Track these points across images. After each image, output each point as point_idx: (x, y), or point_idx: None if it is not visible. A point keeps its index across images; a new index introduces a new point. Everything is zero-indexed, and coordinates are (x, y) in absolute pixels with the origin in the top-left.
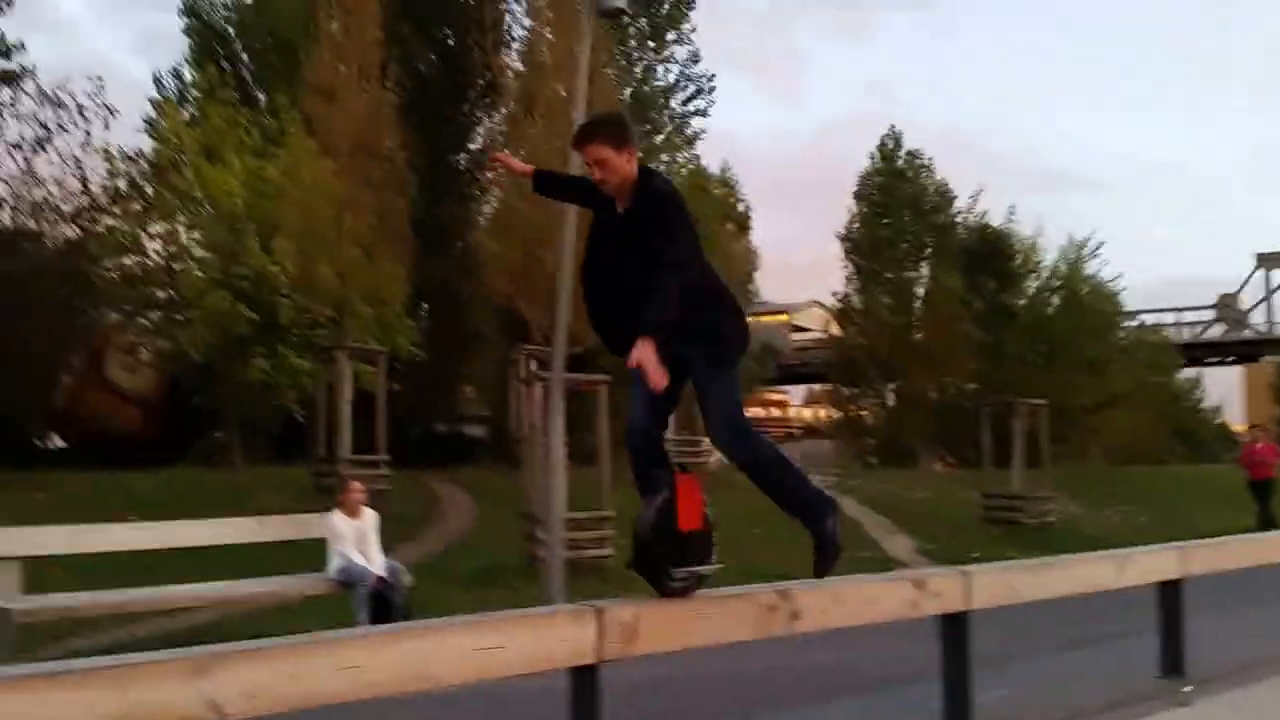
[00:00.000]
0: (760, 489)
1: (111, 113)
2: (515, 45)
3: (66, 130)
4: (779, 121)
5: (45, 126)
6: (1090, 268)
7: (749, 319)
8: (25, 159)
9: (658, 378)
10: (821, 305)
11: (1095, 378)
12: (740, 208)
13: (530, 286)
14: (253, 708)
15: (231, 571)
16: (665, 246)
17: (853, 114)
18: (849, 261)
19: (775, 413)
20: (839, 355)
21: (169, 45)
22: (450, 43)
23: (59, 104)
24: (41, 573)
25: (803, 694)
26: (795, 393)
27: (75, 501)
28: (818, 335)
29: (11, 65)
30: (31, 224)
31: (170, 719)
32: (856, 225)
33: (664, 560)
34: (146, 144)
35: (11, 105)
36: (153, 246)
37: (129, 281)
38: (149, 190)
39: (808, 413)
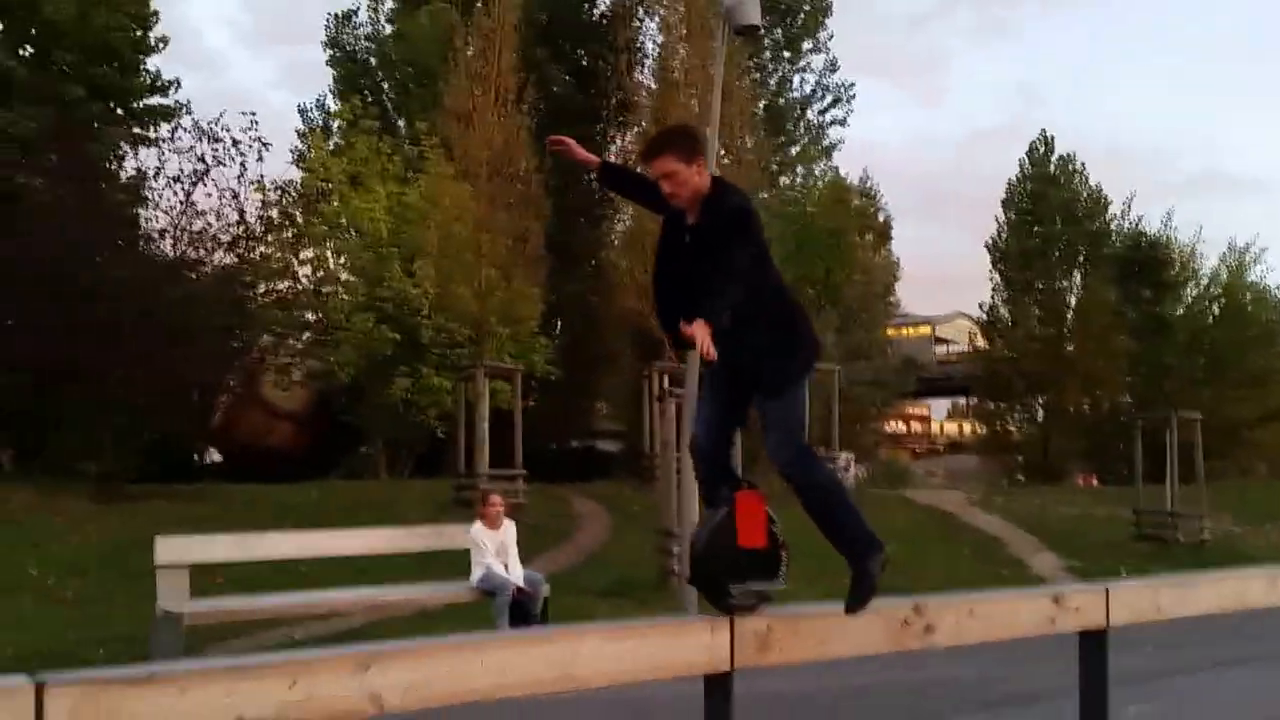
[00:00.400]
0: (810, 515)
1: (265, 146)
2: (648, 63)
3: (223, 164)
4: (922, 127)
5: (203, 160)
6: (1253, 274)
7: (890, 331)
8: (185, 191)
9: (709, 351)
10: (967, 317)
11: (1258, 389)
12: (881, 217)
13: None
14: (409, 701)
15: (378, 579)
16: (732, 255)
17: (1000, 118)
18: (996, 272)
19: (917, 427)
20: (985, 369)
21: (307, 76)
22: (584, 63)
23: (216, 139)
24: (204, 579)
25: (936, 708)
26: (938, 407)
27: (234, 512)
28: (962, 348)
29: (168, 102)
30: (191, 253)
31: (335, 709)
32: (1005, 234)
33: (720, 576)
34: (295, 173)
35: (171, 141)
36: (303, 272)
37: (281, 305)
38: (299, 218)
39: (951, 427)
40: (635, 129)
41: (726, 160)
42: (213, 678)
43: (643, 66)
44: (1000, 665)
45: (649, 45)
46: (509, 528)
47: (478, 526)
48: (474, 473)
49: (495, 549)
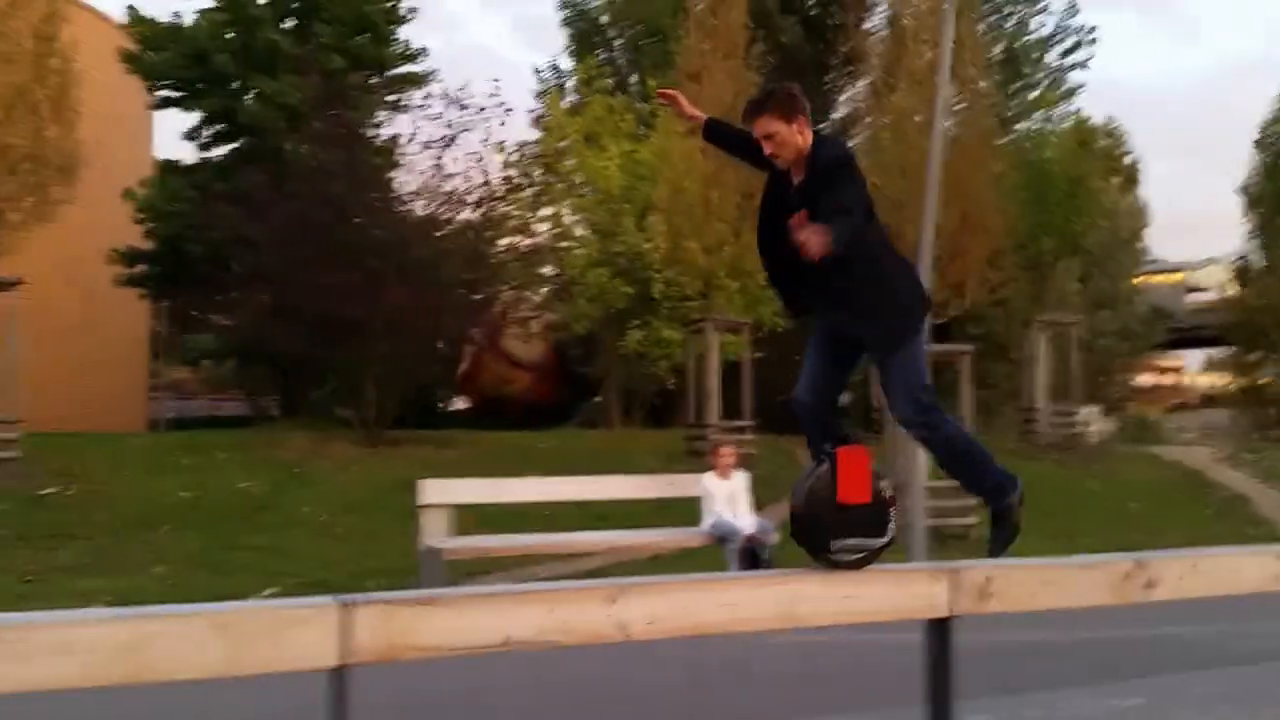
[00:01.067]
0: (943, 467)
1: (507, 112)
2: (879, 11)
3: (469, 130)
4: (1173, 65)
5: (450, 126)
6: None
7: (1139, 279)
8: (436, 156)
9: (816, 248)
10: (1221, 263)
11: None
12: (1128, 160)
13: None
14: (651, 631)
15: (615, 524)
16: (839, 194)
17: (1258, 52)
18: (1251, 216)
19: (1168, 380)
20: (1239, 317)
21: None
22: (812, 13)
23: (463, 106)
24: (461, 519)
25: (1161, 663)
26: (1192, 359)
27: (480, 458)
28: (1216, 296)
29: (418, 69)
30: (440, 213)
31: (586, 633)
32: (1257, 177)
33: (818, 531)
34: (534, 133)
35: (422, 108)
36: (541, 229)
37: (521, 261)
38: (538, 177)
39: (1205, 380)
40: (864, 81)
41: (960, 106)
42: (485, 602)
43: (873, 15)
44: (1226, 624)
45: None
46: (739, 477)
47: (709, 476)
48: (704, 424)
49: (726, 498)
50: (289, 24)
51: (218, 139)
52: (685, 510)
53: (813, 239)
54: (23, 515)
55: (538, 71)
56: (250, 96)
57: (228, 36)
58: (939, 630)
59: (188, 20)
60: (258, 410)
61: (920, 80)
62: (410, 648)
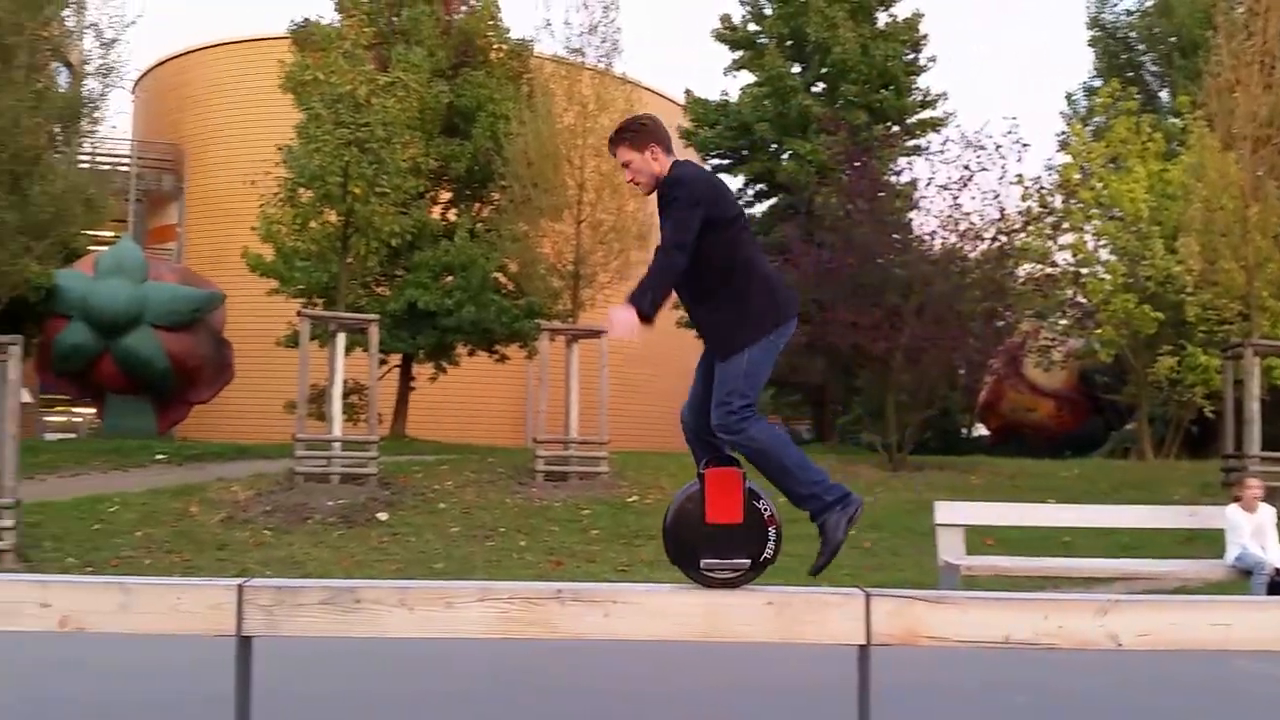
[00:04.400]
0: (761, 474)
1: (1024, 147)
2: None
3: (986, 169)
4: None
5: (968, 167)
6: None
7: None
8: (954, 196)
9: (620, 331)
10: None
11: None
12: None
13: None
14: (1142, 643)
15: (1136, 554)
16: (662, 227)
17: None
18: None
19: None
20: None
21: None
22: None
23: (979, 147)
24: (976, 539)
25: None
26: None
27: (999, 484)
28: None
29: (937, 114)
30: (957, 249)
31: (1078, 639)
32: None
33: (687, 549)
34: (1057, 159)
35: (940, 152)
36: (1061, 256)
37: (1041, 289)
38: (1058, 204)
39: None
40: None
41: None
42: (987, 604)
43: None
44: None
45: None
46: (1266, 510)
47: (1233, 508)
48: (1243, 454)
49: (1252, 530)
50: (818, 88)
51: (758, 197)
52: (1216, 542)
53: (614, 326)
54: (613, 518)
55: (1068, 97)
56: (786, 157)
57: (766, 105)
58: None
59: (733, 97)
60: (793, 434)
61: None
62: (923, 636)
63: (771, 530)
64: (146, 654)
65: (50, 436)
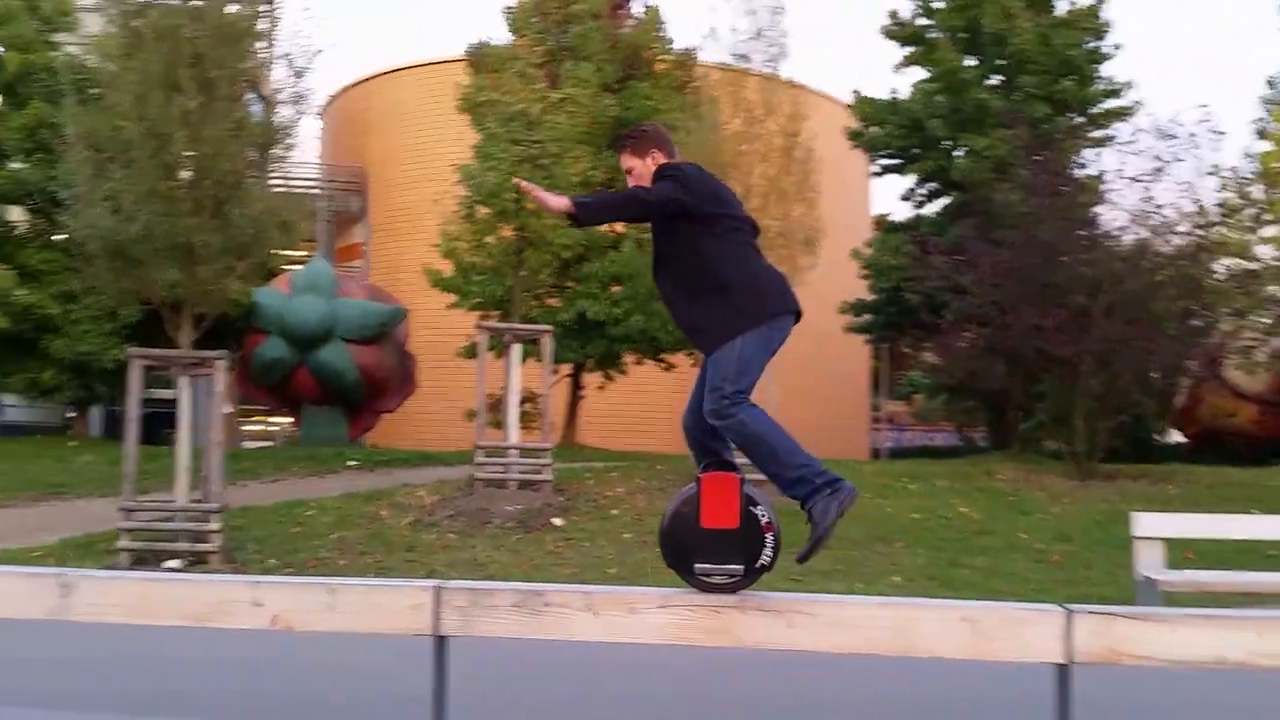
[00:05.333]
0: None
1: (1219, 135)
2: None
3: (1180, 160)
4: None
5: (1160, 158)
6: None
7: None
8: (1144, 188)
9: (543, 198)
10: None
11: None
12: None
13: None
14: None
15: None
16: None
17: None
18: None
19: None
20: None
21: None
22: None
23: (1171, 136)
24: (1174, 553)
25: None
26: None
27: (1197, 493)
28: None
29: (1124, 102)
30: (1150, 244)
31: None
32: None
33: (682, 553)
34: (1259, 146)
35: (1128, 143)
36: (1263, 250)
37: (1242, 286)
38: (1258, 195)
39: None
40: None
41: None
42: (1198, 623)
43: None
44: None
45: None
46: None
47: None
48: None
49: None
50: (994, 80)
51: (930, 196)
52: None
53: (543, 197)
54: (785, 525)
55: (1270, 82)
56: (960, 154)
57: (938, 101)
58: None
59: (903, 95)
60: (968, 441)
61: None
62: (1127, 655)
63: (769, 537)
64: (343, 652)
65: (248, 445)
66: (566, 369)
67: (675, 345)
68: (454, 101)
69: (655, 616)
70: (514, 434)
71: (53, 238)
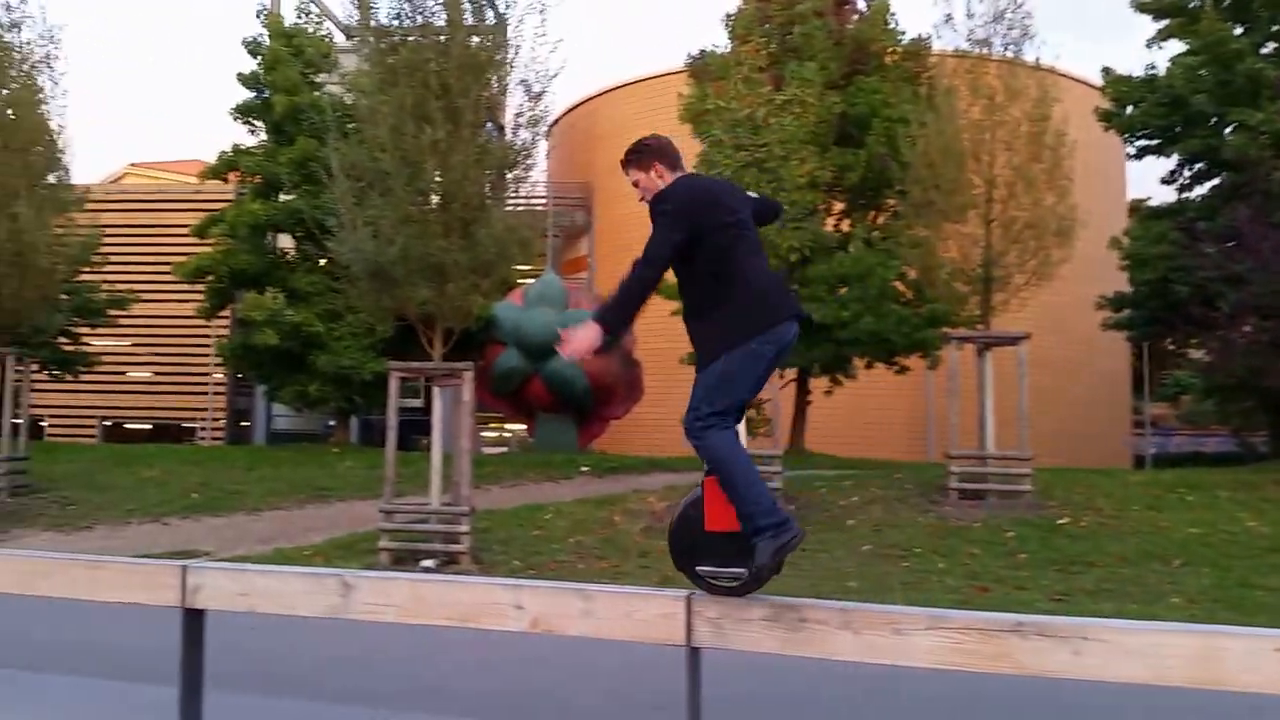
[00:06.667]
0: None
1: None
2: None
3: None
4: None
5: None
6: None
7: None
8: None
9: (573, 348)
10: None
11: None
12: None
13: None
14: None
15: None
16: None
17: None
18: None
19: None
20: None
21: None
22: None
23: None
24: None
25: None
26: None
27: None
28: None
29: None
30: None
31: None
32: None
33: (687, 554)
34: None
35: None
36: None
37: None
38: None
39: None
40: None
41: None
42: None
43: None
44: None
45: None
46: None
47: None
48: None
49: None
50: (1269, 49)
51: (1196, 179)
52: None
53: (569, 343)
54: (1043, 541)
55: None
56: (1231, 131)
57: (1202, 75)
58: None
59: (1160, 70)
60: (1247, 447)
61: None
62: None
63: None
64: (597, 656)
65: (486, 451)
66: (791, 374)
67: (909, 347)
68: (675, 113)
69: (923, 638)
70: (743, 440)
71: (319, 262)
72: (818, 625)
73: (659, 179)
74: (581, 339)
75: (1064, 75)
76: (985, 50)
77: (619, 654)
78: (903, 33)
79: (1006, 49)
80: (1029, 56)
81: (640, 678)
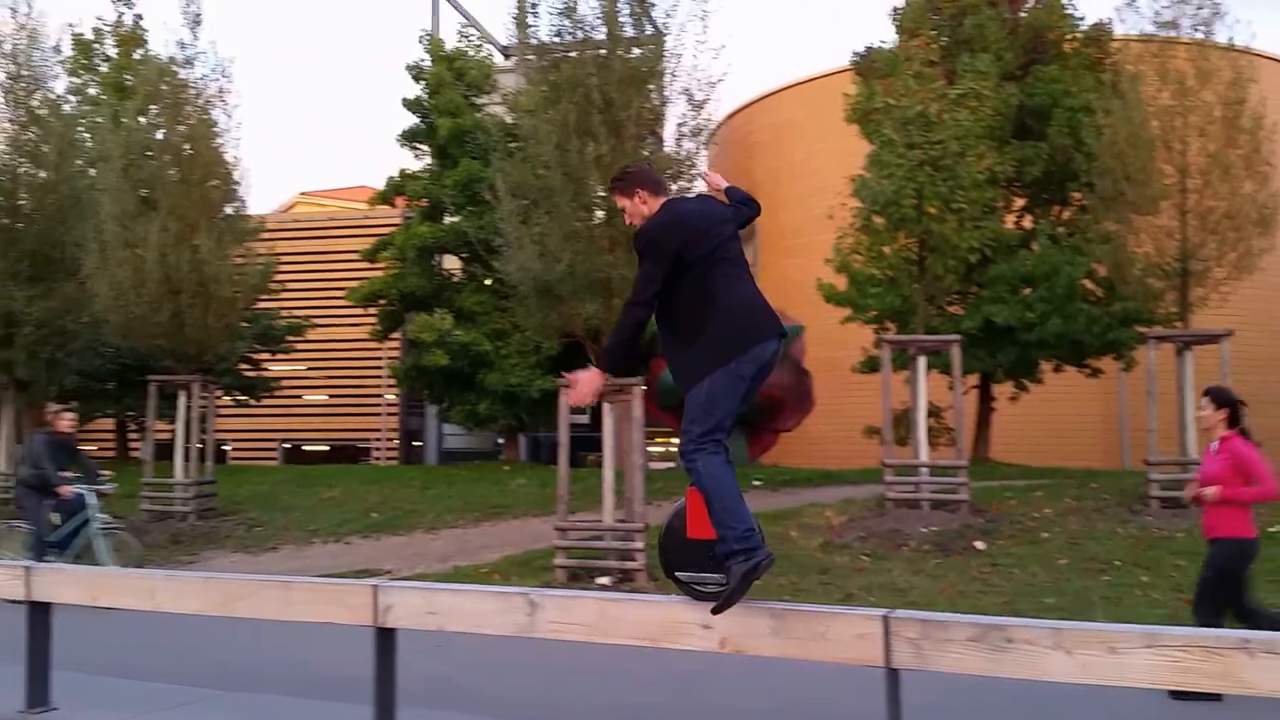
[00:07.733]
0: None
1: None
2: None
3: None
4: None
5: None
6: None
7: None
8: None
9: (579, 394)
10: None
11: None
12: None
13: None
14: None
15: None
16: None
17: None
18: None
19: None
20: None
21: None
22: None
23: None
24: None
25: None
26: None
27: None
28: None
29: None
30: None
31: None
32: None
33: (672, 562)
34: None
35: None
36: None
37: None
38: None
39: None
40: None
41: None
42: None
43: None
44: None
45: None
46: None
47: None
48: None
49: None
50: None
51: None
52: None
53: (575, 389)
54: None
55: None
56: None
57: None
58: None
59: None
60: None
61: None
62: None
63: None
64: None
65: (654, 466)
66: (973, 379)
67: (1101, 348)
68: (839, 114)
69: (1140, 657)
70: (923, 451)
71: (485, 281)
72: (1027, 645)
73: (642, 204)
74: (585, 384)
75: (1259, 55)
76: (1172, 32)
77: (806, 671)
78: (1081, 18)
79: (1195, 30)
80: (1220, 37)
81: (824, 696)
